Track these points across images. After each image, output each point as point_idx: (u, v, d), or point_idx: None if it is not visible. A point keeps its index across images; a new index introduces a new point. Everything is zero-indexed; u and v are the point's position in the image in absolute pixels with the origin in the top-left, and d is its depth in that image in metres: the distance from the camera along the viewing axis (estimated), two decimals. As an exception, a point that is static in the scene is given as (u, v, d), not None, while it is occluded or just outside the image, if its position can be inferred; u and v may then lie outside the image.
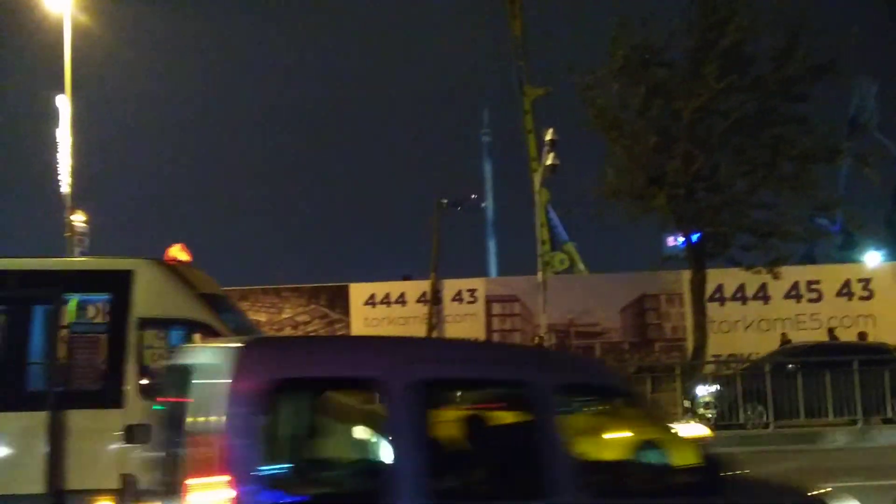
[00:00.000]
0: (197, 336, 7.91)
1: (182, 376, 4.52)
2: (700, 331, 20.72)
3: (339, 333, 27.72)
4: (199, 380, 4.32)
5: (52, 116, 22.88)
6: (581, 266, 39.15)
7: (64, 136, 22.63)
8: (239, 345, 4.30)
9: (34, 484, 7.24)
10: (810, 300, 26.85)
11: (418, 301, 31.11)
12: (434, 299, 30.66)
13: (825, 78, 19.19)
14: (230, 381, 3.94)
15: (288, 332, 27.94)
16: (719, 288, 28.24)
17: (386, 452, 4.39)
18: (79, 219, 22.83)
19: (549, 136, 20.55)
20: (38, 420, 7.32)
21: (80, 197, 23.09)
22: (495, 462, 4.83)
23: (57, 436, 7.32)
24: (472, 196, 34.38)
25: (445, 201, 36.59)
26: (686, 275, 23.17)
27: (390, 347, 5.08)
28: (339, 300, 29.32)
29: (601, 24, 20.42)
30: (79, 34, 22.96)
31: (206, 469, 3.87)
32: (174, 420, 4.52)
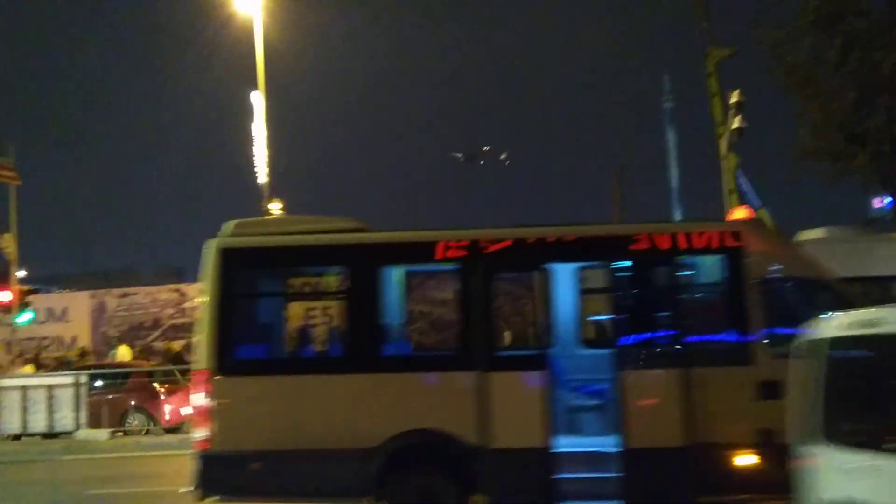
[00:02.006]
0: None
1: None
2: (913, 299, 19.16)
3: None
4: None
5: (247, 111, 24.38)
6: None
7: (259, 129, 24.07)
8: None
9: (674, 438, 7.93)
10: None
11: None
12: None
13: None
14: None
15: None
16: (935, 251, 25.94)
17: None
18: (276, 207, 24.23)
19: (734, 98, 19.53)
20: (672, 377, 8.04)
21: (276, 186, 24.46)
22: None
23: (692, 392, 7.95)
24: (486, 148, 33.50)
25: (460, 155, 35.43)
26: None
27: None
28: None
29: (789, -25, 19.11)
30: (268, 31, 24.24)
31: None
32: None
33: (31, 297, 26.42)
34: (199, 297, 8.80)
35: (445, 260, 8.56)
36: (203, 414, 8.43)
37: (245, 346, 8.89)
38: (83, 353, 26.72)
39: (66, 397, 18.65)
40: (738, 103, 19.37)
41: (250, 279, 9.30)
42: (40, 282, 58.56)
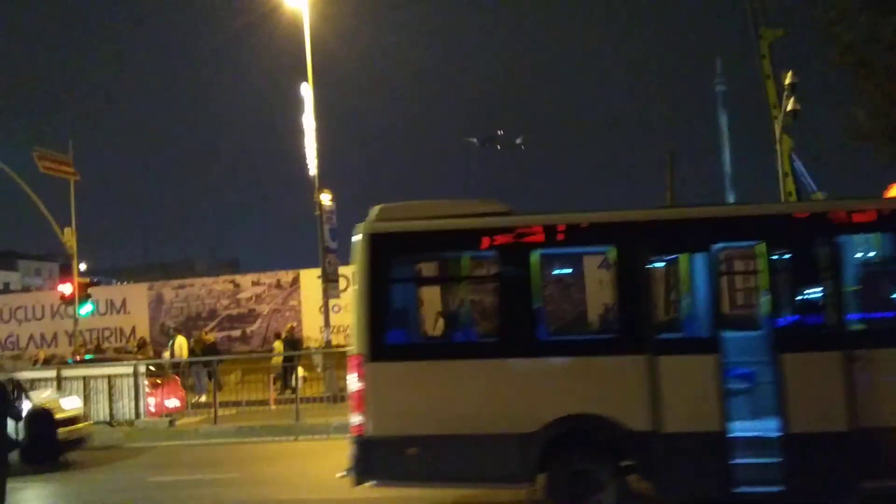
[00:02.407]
0: None
1: None
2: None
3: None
4: None
5: (297, 104, 24.58)
6: (833, 217, 36.25)
7: (309, 121, 24.26)
8: None
9: (840, 422, 7.79)
10: None
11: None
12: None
13: None
14: None
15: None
16: None
17: None
18: (326, 197, 24.42)
19: (788, 80, 19.20)
20: (842, 359, 7.87)
21: (326, 176, 24.64)
22: None
23: (860, 374, 7.80)
24: (499, 132, 33.75)
25: (475, 139, 35.25)
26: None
27: None
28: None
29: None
30: (317, 22, 24.42)
31: None
32: None
33: (91, 290, 27.11)
34: (352, 282, 8.75)
35: (607, 241, 8.48)
36: (357, 399, 8.40)
37: (398, 331, 8.86)
38: (142, 344, 27.40)
39: (125, 387, 19.14)
40: (791, 85, 19.02)
41: (401, 263, 9.21)
42: (100, 274, 60.16)
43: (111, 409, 19.07)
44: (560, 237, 8.49)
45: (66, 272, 26.24)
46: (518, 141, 32.53)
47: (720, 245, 8.66)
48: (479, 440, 8.16)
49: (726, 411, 7.96)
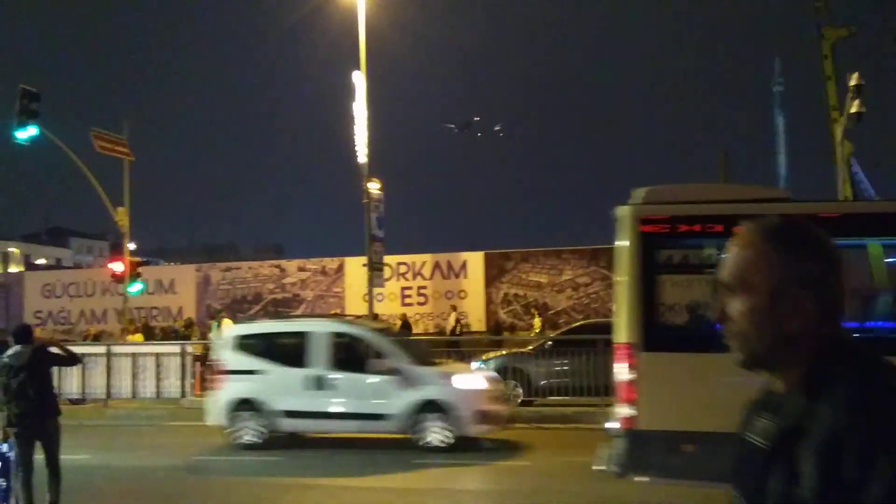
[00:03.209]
0: None
1: None
2: None
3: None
4: None
5: (349, 92, 24.56)
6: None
7: (360, 109, 24.24)
8: None
9: None
10: None
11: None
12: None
13: None
14: None
15: (569, 293, 28.20)
16: None
17: None
18: (374, 186, 24.40)
19: (853, 82, 18.66)
20: None
21: (375, 166, 24.62)
22: None
23: None
24: (475, 119, 33.74)
25: (452, 126, 35.00)
26: None
27: None
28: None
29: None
30: (372, 10, 24.39)
31: None
32: None
33: (141, 269, 27.47)
34: (616, 267, 8.34)
35: None
36: (627, 390, 7.97)
37: (672, 319, 8.43)
38: (189, 324, 27.70)
39: (173, 366, 19.37)
40: (856, 86, 18.50)
41: (676, 248, 8.78)
42: (147, 254, 61.01)
43: (158, 386, 19.33)
44: (858, 226, 8.01)
45: (116, 251, 26.60)
46: (496, 128, 33.16)
47: None
48: None
49: None
